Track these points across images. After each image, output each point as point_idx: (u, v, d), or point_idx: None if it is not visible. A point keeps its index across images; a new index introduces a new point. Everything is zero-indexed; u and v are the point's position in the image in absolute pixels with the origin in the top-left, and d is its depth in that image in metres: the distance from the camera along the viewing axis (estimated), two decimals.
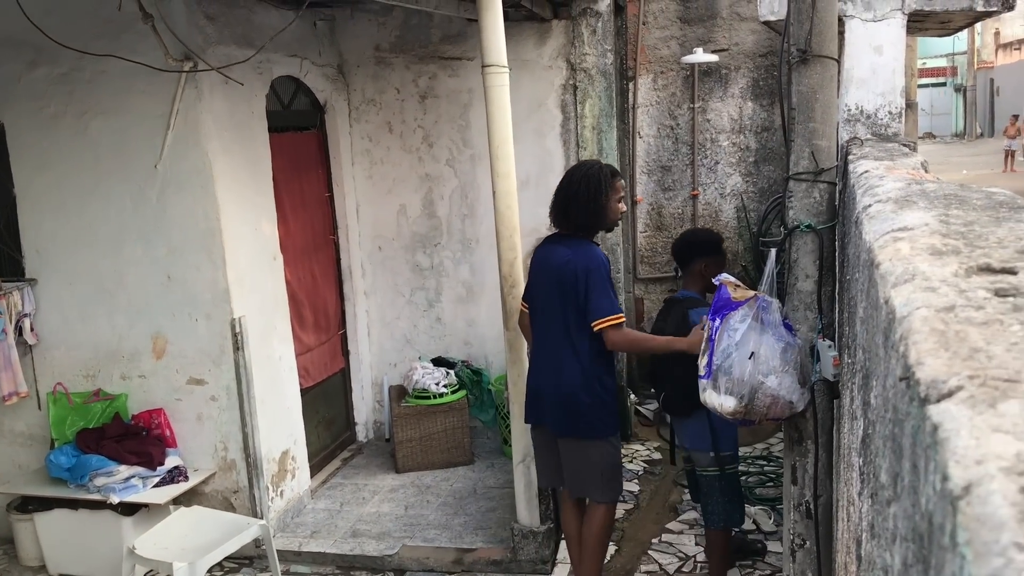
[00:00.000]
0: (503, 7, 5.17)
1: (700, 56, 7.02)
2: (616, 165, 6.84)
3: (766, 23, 3.58)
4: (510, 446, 5.60)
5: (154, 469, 5.19)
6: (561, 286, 4.32)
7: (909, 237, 1.16)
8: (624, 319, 4.25)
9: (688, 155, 7.70)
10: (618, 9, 7.13)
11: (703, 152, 7.69)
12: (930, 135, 38.69)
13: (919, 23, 3.83)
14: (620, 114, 7.28)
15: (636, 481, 6.33)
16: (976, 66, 37.42)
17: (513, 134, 6.22)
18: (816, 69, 2.63)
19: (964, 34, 36.89)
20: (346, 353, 6.96)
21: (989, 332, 0.77)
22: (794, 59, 2.66)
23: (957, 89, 39.21)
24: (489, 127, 4.95)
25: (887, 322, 0.91)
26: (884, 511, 0.91)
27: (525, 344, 5.09)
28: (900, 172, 2.01)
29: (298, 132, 6.36)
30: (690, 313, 4.42)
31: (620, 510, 5.85)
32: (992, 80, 36.01)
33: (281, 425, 5.74)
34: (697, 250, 4.63)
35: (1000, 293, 0.87)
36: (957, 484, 0.54)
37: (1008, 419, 0.59)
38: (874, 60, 3.42)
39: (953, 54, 39.01)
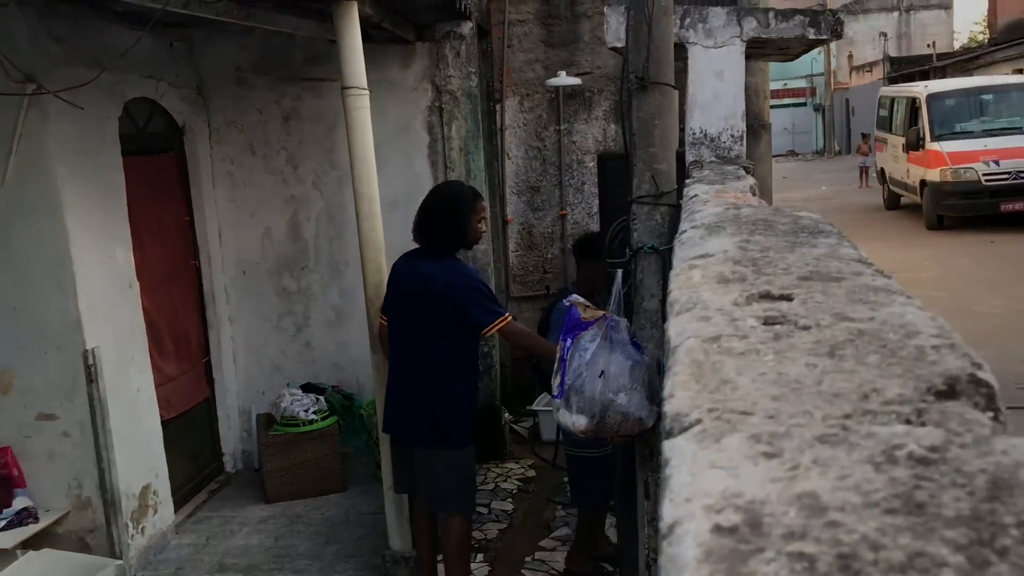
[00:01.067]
0: (365, 29, 5.15)
1: (564, 79, 7.15)
2: (485, 186, 6.89)
3: (613, 49, 3.68)
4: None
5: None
6: (428, 298, 4.39)
7: (704, 264, 1.20)
8: (510, 317, 4.41)
9: (556, 176, 7.83)
10: (482, 32, 7.20)
11: (570, 173, 7.83)
12: (793, 153, 40.48)
13: (759, 49, 4.00)
14: (488, 135, 7.34)
15: (510, 500, 6.34)
16: (833, 87, 39.41)
17: (381, 155, 6.18)
18: (655, 96, 2.72)
19: (821, 56, 38.79)
20: (211, 381, 6.75)
21: (744, 362, 0.80)
22: (633, 86, 2.73)
23: (816, 109, 41.18)
24: (351, 149, 4.91)
25: (668, 352, 0.94)
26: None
27: None
28: (727, 196, 2.09)
29: (155, 155, 6.16)
30: (555, 309, 4.57)
31: (494, 529, 5.86)
32: (848, 100, 37.96)
33: (141, 459, 5.51)
34: (593, 254, 4.84)
35: (768, 321, 0.90)
36: (665, 523, 0.56)
37: (727, 454, 0.61)
38: (716, 85, 3.55)
39: (812, 75, 40.96)
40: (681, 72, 3.82)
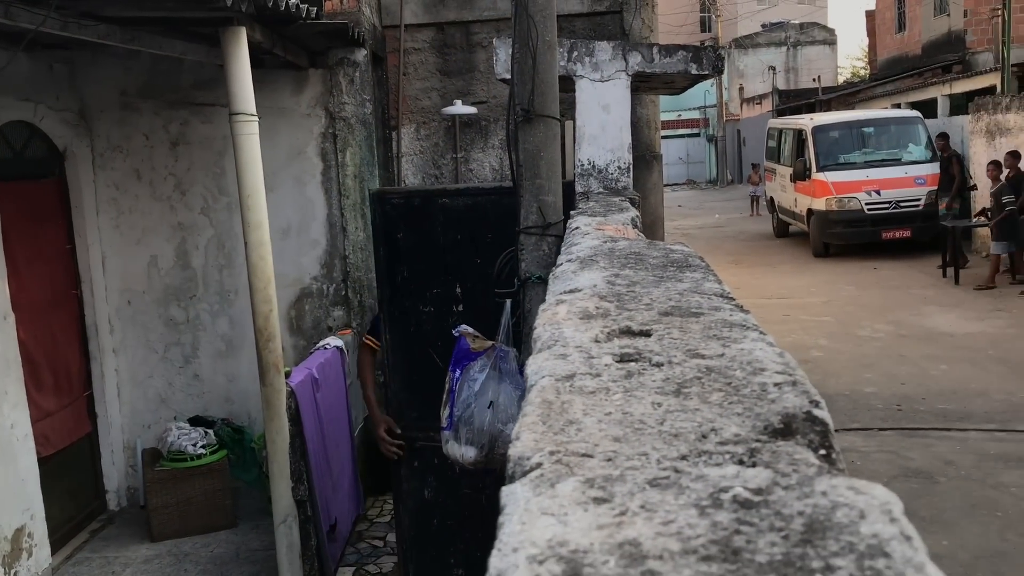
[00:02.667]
0: (255, 54, 5.08)
1: (460, 108, 7.18)
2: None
3: (503, 80, 3.71)
4: None
5: None
6: None
7: (571, 300, 1.21)
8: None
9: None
10: (377, 60, 7.18)
11: None
12: (692, 182, 41.57)
13: (646, 83, 4.09)
14: (384, 163, 7.31)
15: None
16: (725, 118, 40.67)
17: (273, 182, 6.10)
18: (540, 128, 2.74)
19: (714, 89, 40.02)
20: (93, 416, 6.48)
21: (593, 402, 0.80)
22: (519, 118, 2.76)
23: (709, 139, 42.41)
24: (239, 176, 4.81)
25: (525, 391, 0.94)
26: None
27: (284, 399, 4.95)
28: (608, 229, 2.12)
29: (33, 181, 5.92)
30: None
31: (389, 563, 5.77)
32: (739, 131, 39.23)
33: (14, 499, 5.24)
34: None
35: (624, 359, 0.91)
36: (491, 574, 0.55)
37: (559, 500, 0.61)
38: (603, 118, 3.62)
39: (705, 107, 42.21)
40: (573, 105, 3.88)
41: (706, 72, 3.70)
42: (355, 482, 6.32)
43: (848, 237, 16.56)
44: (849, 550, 0.51)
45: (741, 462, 0.66)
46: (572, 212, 2.80)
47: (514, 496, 0.63)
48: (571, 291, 1.28)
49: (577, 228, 2.21)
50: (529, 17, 2.59)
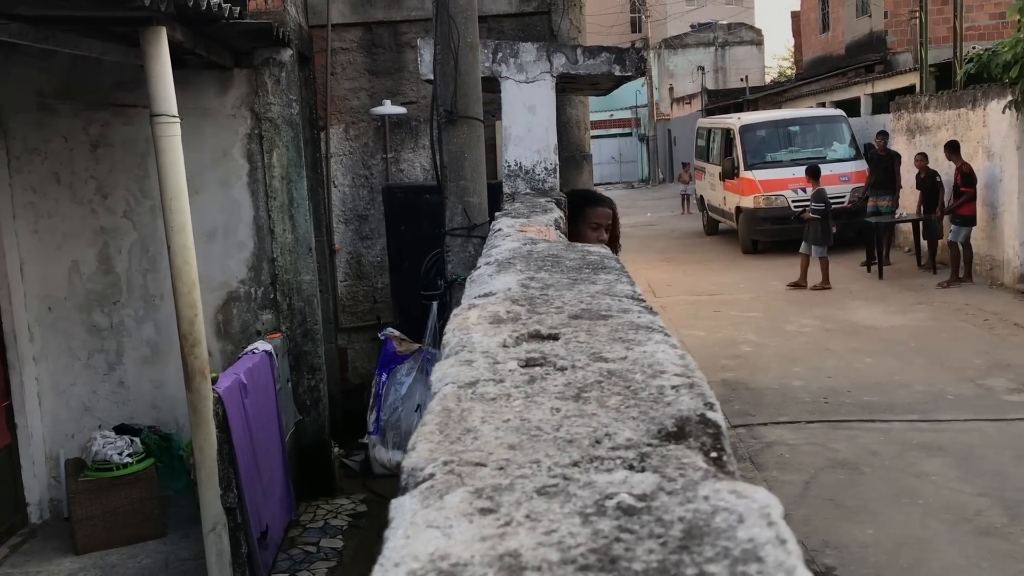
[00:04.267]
0: (177, 54, 4.98)
1: (389, 108, 7.14)
2: (310, 215, 6.77)
3: (428, 81, 3.69)
4: None
5: None
6: None
7: (483, 304, 1.20)
8: None
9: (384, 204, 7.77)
10: (304, 59, 7.09)
11: None
12: (631, 185, 41.98)
13: (571, 84, 4.12)
14: (312, 163, 7.22)
15: (340, 537, 6.20)
16: (656, 118, 41.17)
17: (197, 184, 5.98)
18: (463, 130, 2.74)
19: (644, 89, 40.45)
20: (12, 427, 6.28)
21: (493, 409, 0.80)
22: (442, 119, 2.75)
23: (641, 139, 42.89)
24: (161, 179, 4.72)
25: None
26: None
27: (210, 405, 4.87)
28: (530, 230, 2.13)
29: None
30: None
31: (323, 568, 5.71)
32: (670, 131, 39.75)
33: None
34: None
35: (529, 363, 0.91)
36: None
37: (445, 512, 0.61)
38: (529, 119, 3.63)
39: (636, 107, 42.66)
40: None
41: (629, 73, 3.74)
42: (287, 487, 6.24)
43: (776, 234, 16.87)
44: (724, 555, 0.51)
45: (631, 467, 0.66)
46: (497, 213, 2.80)
47: (402, 509, 0.63)
48: (485, 295, 1.28)
49: (500, 230, 2.21)
50: (450, 19, 2.58)
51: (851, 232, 16.05)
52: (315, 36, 7.44)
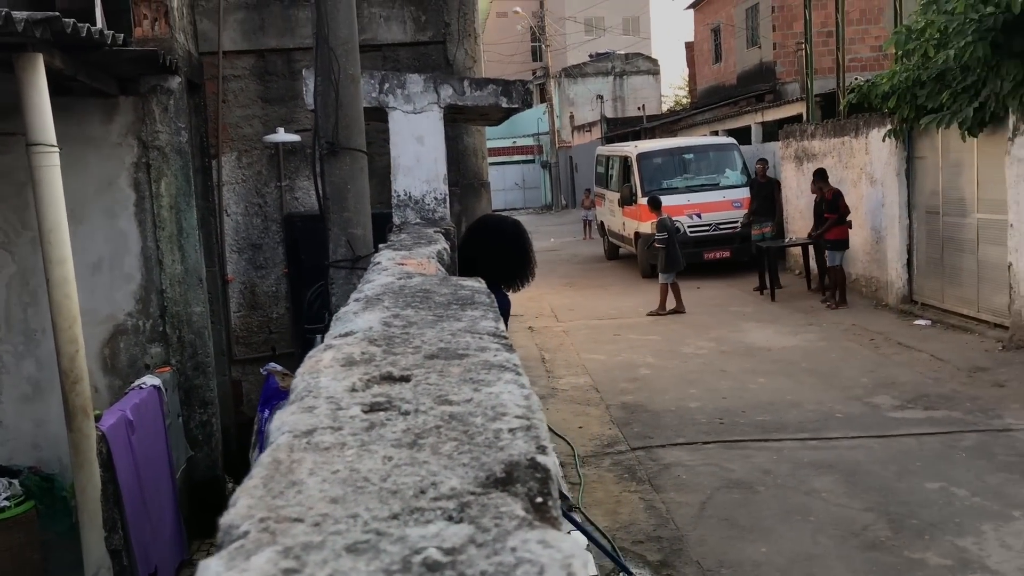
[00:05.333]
0: (58, 81, 4.82)
1: (282, 136, 7.05)
2: (201, 244, 6.60)
3: (312, 111, 3.66)
4: None
5: None
6: None
7: (340, 345, 1.19)
8: None
9: (278, 233, 7.66)
10: (194, 87, 6.95)
11: None
12: (528, 207, 42.37)
13: (461, 114, 4.14)
14: (203, 192, 7.07)
15: None
16: (558, 145, 41.76)
17: (81, 215, 5.79)
18: (346, 161, 2.72)
19: (546, 116, 41.01)
20: None
21: (324, 459, 0.78)
22: (324, 151, 2.72)
23: (544, 166, 43.41)
24: (39, 210, 4.54)
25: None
26: None
27: (94, 444, 4.68)
28: (409, 263, 2.12)
29: None
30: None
31: None
32: (571, 158, 40.38)
33: None
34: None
35: (374, 408, 0.90)
36: None
37: (248, 575, 0.59)
38: (418, 149, 3.63)
39: (538, 134, 43.20)
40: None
41: (516, 106, 3.78)
42: (178, 526, 6.03)
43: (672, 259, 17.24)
44: None
45: (450, 518, 0.65)
46: (381, 245, 2.78)
47: (207, 571, 0.61)
48: (345, 334, 1.26)
49: (378, 263, 2.19)
50: (331, 50, 2.57)
51: (744, 257, 16.56)
52: (206, 63, 7.31)
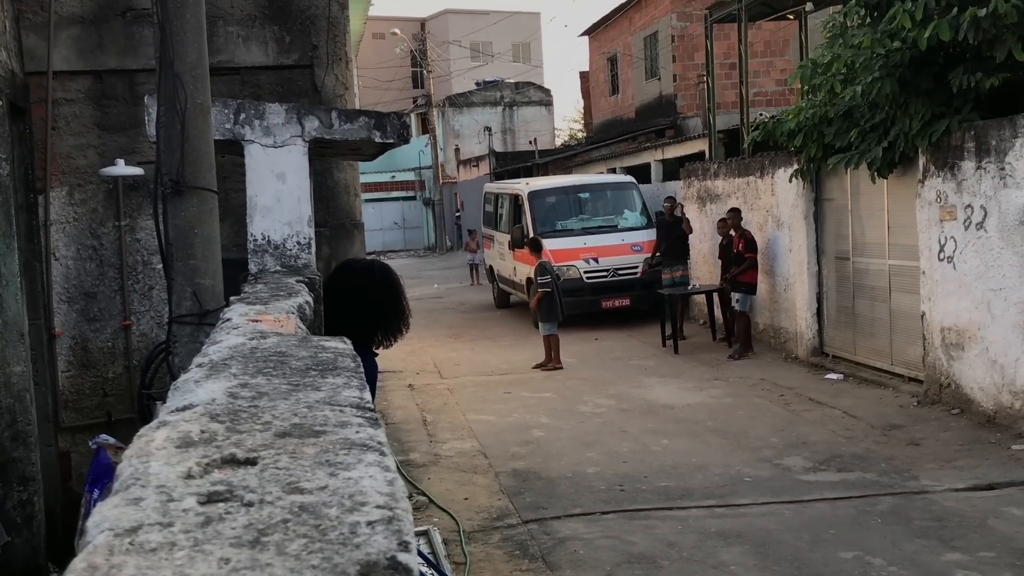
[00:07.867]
0: None
1: (122, 168, 6.87)
2: (23, 293, 6.34)
3: (156, 144, 3.58)
4: None
5: None
6: None
7: (176, 422, 1.15)
8: None
9: (117, 279, 7.42)
10: (18, 111, 6.72)
11: (134, 276, 7.47)
12: (408, 250, 42.31)
13: (330, 149, 4.11)
14: (27, 233, 6.80)
15: None
16: (442, 181, 41.98)
17: None
18: (193, 202, 2.66)
19: (429, 149, 41.24)
20: None
21: (149, 563, 0.75)
22: (168, 190, 2.66)
23: (426, 203, 43.51)
24: None
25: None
26: None
27: None
28: (265, 320, 2.07)
29: None
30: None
31: None
32: (456, 195, 40.61)
33: None
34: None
35: (211, 498, 0.87)
36: None
37: None
38: (278, 188, 3.58)
39: (420, 168, 43.34)
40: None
41: (391, 140, 3.78)
42: None
43: (568, 307, 17.39)
44: None
45: None
46: (233, 298, 2.71)
47: None
48: (183, 408, 1.22)
49: (229, 320, 2.13)
50: (176, 76, 2.52)
51: (645, 305, 16.88)
52: (33, 85, 7.08)
